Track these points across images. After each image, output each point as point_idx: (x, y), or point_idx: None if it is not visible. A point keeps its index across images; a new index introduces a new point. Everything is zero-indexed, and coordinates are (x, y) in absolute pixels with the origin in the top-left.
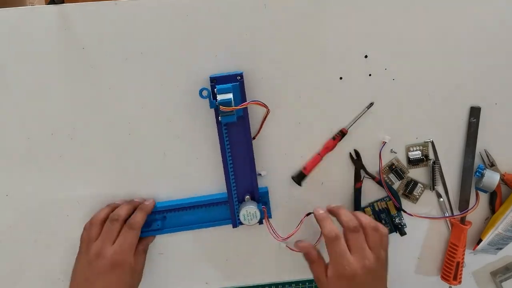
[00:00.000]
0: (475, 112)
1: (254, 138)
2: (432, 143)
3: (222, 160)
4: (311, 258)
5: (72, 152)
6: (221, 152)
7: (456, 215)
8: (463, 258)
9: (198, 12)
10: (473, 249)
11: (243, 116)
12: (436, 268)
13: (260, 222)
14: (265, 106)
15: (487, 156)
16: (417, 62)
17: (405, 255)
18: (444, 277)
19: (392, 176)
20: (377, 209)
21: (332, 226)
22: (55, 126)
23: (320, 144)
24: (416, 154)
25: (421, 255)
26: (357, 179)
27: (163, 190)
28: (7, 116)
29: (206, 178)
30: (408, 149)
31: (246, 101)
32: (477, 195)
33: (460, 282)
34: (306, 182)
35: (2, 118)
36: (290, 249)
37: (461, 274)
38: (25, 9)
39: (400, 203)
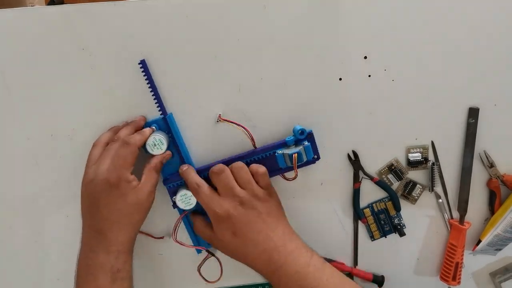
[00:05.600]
0: (473, 113)
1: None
2: (432, 144)
3: None
4: (196, 225)
5: (72, 153)
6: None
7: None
8: (462, 259)
9: (198, 13)
10: (473, 250)
11: None
12: (435, 269)
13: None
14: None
15: (487, 157)
16: (417, 63)
17: (404, 256)
18: (443, 278)
19: (391, 177)
20: (376, 209)
21: (195, 178)
22: (55, 127)
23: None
24: (416, 156)
25: (420, 255)
26: (356, 179)
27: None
28: (7, 117)
29: None
30: (408, 151)
31: None
32: None
33: (459, 283)
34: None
35: (2, 119)
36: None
37: (460, 274)
38: (25, 9)
39: (398, 204)
